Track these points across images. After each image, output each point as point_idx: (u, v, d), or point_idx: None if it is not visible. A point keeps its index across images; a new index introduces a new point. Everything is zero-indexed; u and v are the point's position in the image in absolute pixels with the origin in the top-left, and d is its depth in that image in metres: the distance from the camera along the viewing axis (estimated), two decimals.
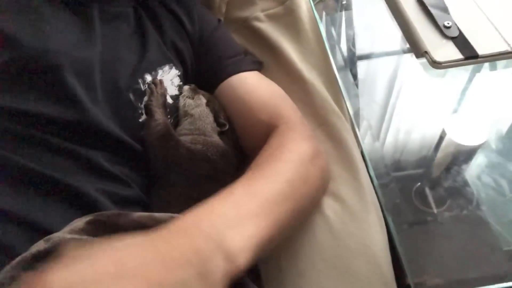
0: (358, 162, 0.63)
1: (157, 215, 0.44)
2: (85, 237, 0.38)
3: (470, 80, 0.71)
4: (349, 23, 0.86)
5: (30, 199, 0.45)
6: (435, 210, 0.60)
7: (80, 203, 0.47)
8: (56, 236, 0.38)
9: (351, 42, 0.82)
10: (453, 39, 0.63)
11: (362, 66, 0.79)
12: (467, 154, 0.64)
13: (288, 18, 0.76)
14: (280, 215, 0.45)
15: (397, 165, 0.67)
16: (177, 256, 0.35)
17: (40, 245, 0.37)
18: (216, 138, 0.60)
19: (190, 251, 0.36)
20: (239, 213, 0.42)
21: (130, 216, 0.42)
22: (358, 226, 0.57)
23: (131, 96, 0.57)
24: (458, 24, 0.64)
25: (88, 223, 0.41)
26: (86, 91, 0.52)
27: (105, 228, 0.41)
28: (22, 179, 0.46)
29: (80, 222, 0.40)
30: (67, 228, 0.40)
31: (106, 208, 0.48)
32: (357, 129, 0.67)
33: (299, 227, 0.53)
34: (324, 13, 0.84)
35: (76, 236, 0.38)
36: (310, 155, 0.53)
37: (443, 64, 0.60)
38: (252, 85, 0.64)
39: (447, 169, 0.64)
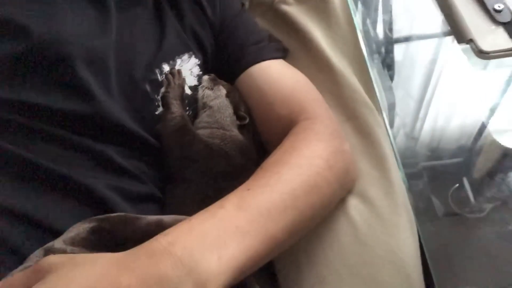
0: (389, 160, 0.59)
1: (166, 219, 0.42)
2: (75, 249, 0.37)
3: None
4: (385, 7, 0.79)
5: (37, 196, 0.44)
6: (472, 219, 0.55)
7: (89, 200, 0.45)
8: (57, 247, 0.37)
9: (387, 27, 0.76)
10: (504, 24, 0.56)
11: (398, 54, 0.73)
12: None
13: (317, 0, 0.70)
14: (275, 229, 0.42)
15: (432, 165, 0.61)
16: (135, 284, 0.33)
17: (32, 260, 0.36)
18: (235, 132, 0.57)
19: (152, 279, 0.34)
20: (224, 230, 0.39)
21: (138, 223, 0.40)
22: (387, 231, 0.53)
23: (147, 87, 0.54)
24: (511, 8, 0.57)
25: (92, 231, 0.39)
26: (100, 82, 0.50)
27: (110, 237, 0.39)
28: (29, 175, 0.45)
29: (82, 229, 0.39)
30: (70, 234, 0.39)
31: (117, 205, 0.46)
32: (387, 124, 0.61)
33: (306, 235, 0.49)
34: None
35: (76, 248, 0.36)
36: (325, 158, 0.49)
37: (491, 54, 0.54)
38: (274, 75, 0.60)
39: (491, 174, 0.58)
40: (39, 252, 0.37)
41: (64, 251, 0.37)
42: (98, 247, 0.38)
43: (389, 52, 0.73)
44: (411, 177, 0.59)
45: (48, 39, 0.48)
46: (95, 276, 0.33)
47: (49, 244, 0.38)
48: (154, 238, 0.37)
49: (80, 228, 0.39)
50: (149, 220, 0.41)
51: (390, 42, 0.75)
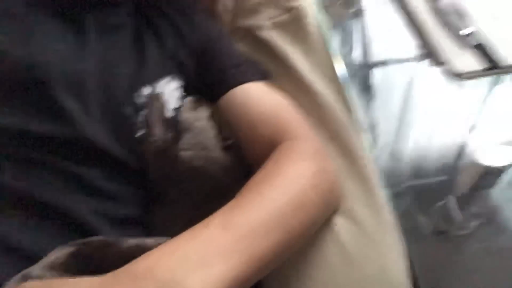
0: (372, 178, 0.59)
1: (148, 241, 0.40)
2: (54, 274, 0.34)
3: (491, 91, 0.66)
4: (361, 31, 0.81)
5: (15, 221, 0.42)
6: (459, 236, 0.55)
7: (70, 225, 0.44)
8: (35, 273, 0.34)
9: (363, 50, 0.78)
10: (473, 47, 0.58)
11: (376, 75, 0.75)
12: (494, 175, 0.58)
13: (295, 26, 0.72)
14: (261, 249, 0.41)
15: (416, 183, 0.62)
16: None
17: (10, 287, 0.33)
18: (219, 154, 0.57)
19: None
20: (208, 251, 0.38)
21: (119, 245, 0.39)
22: (374, 249, 0.53)
23: (128, 110, 0.53)
24: (479, 31, 0.60)
25: (72, 256, 0.37)
26: (79, 105, 0.49)
27: (90, 261, 0.37)
28: (5, 200, 0.43)
29: (62, 253, 0.37)
30: (49, 259, 0.36)
31: (99, 230, 0.45)
32: (369, 143, 0.62)
33: (291, 255, 0.48)
34: (333, 20, 0.80)
35: (55, 273, 0.34)
36: (309, 177, 0.49)
37: (463, 76, 0.56)
38: (256, 97, 0.60)
39: (473, 191, 0.59)
40: (17, 278, 0.35)
41: (42, 277, 0.35)
42: (79, 272, 0.36)
43: (367, 75, 0.75)
44: (395, 197, 0.59)
45: (26, 63, 0.47)
46: None
47: (27, 270, 0.36)
48: (135, 260, 0.36)
49: (59, 253, 0.37)
50: (130, 243, 0.40)
51: (367, 65, 0.77)
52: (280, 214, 0.43)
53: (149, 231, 0.50)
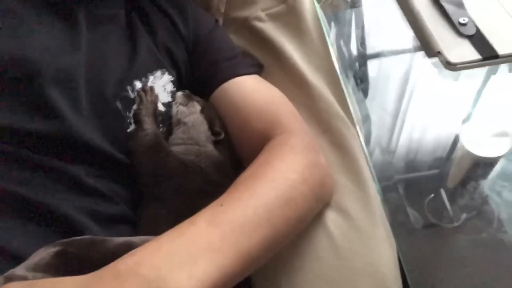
0: (364, 172, 0.59)
1: (135, 240, 0.40)
2: (39, 275, 0.35)
3: (486, 82, 0.66)
4: (357, 22, 0.80)
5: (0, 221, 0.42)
6: (449, 228, 0.55)
7: (57, 224, 0.43)
8: (18, 274, 0.35)
9: (359, 42, 0.77)
10: (469, 37, 0.57)
11: (371, 68, 0.74)
12: (486, 167, 0.58)
13: (290, 17, 0.71)
14: (249, 245, 0.40)
15: (407, 177, 0.61)
16: None
17: None
18: (210, 148, 0.56)
19: None
20: (195, 248, 0.37)
21: (106, 245, 0.39)
22: (365, 243, 0.53)
23: (118, 104, 0.53)
24: (475, 21, 0.59)
25: (57, 256, 0.37)
26: (68, 100, 0.48)
27: (76, 261, 0.37)
28: None
29: (46, 253, 0.37)
30: (33, 259, 0.37)
31: (87, 228, 0.45)
32: (361, 136, 0.61)
33: (280, 251, 0.48)
34: (328, 12, 0.79)
35: (38, 274, 0.35)
36: (300, 171, 0.48)
37: (458, 66, 0.55)
38: (249, 90, 0.59)
39: (464, 183, 0.59)
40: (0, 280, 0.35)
41: (25, 278, 0.35)
42: (63, 272, 0.36)
43: (362, 67, 0.74)
44: (386, 190, 0.59)
45: (14, 56, 0.46)
46: None
47: (10, 272, 0.36)
48: (120, 258, 0.36)
49: (44, 253, 0.37)
50: (117, 241, 0.40)
51: (362, 57, 0.76)
52: (269, 209, 0.43)
53: (137, 229, 0.50)
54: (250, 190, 0.44)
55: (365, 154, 0.61)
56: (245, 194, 0.44)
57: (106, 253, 0.39)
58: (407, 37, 0.66)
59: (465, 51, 0.56)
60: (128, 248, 0.39)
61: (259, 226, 0.42)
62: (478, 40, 0.57)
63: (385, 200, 0.56)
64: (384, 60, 0.76)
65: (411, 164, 0.64)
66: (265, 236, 0.42)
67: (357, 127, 0.63)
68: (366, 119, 0.65)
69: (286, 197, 0.45)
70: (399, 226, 0.55)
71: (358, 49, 0.77)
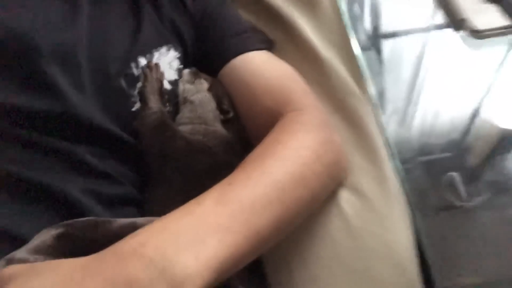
0: (380, 150, 0.56)
1: (140, 221, 0.39)
2: (40, 257, 0.34)
3: (508, 53, 0.61)
4: None
5: (1, 202, 0.41)
6: (470, 206, 0.52)
7: (60, 206, 0.42)
8: (17, 257, 0.34)
9: (376, 14, 0.73)
10: (497, 2, 0.53)
11: (387, 42, 0.70)
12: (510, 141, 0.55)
13: None
14: (258, 225, 0.38)
15: (427, 156, 0.58)
16: None
17: None
18: (219, 127, 0.55)
19: (121, 283, 0.31)
20: (202, 228, 0.36)
21: (109, 226, 0.37)
22: (380, 224, 0.51)
23: (122, 82, 0.51)
24: None
25: (59, 238, 0.36)
26: (69, 78, 0.47)
27: (80, 243, 0.36)
28: None
29: (48, 236, 0.36)
30: (35, 242, 0.36)
31: (91, 210, 0.43)
32: (380, 112, 0.58)
33: (291, 232, 0.46)
34: None
35: (40, 256, 0.34)
36: (313, 149, 0.46)
37: (484, 33, 0.51)
38: (258, 66, 0.57)
39: (487, 158, 0.55)
40: (0, 263, 0.34)
41: (26, 261, 0.34)
42: (66, 254, 0.35)
43: (378, 41, 0.71)
44: (404, 171, 0.56)
45: (11, 32, 0.45)
46: (56, 283, 0.30)
47: (11, 255, 0.35)
48: (123, 239, 0.34)
49: (46, 235, 0.36)
50: (121, 223, 0.38)
51: (378, 32, 0.72)
52: (280, 187, 0.41)
53: (143, 211, 0.49)
54: (260, 169, 0.42)
55: (383, 132, 0.59)
56: (254, 173, 0.42)
57: (109, 235, 0.37)
58: (428, 10, 0.63)
59: (492, 18, 0.52)
60: (132, 229, 0.38)
61: (269, 205, 0.40)
62: (508, 5, 0.53)
63: (402, 180, 0.53)
64: (402, 35, 0.72)
65: (430, 141, 0.60)
66: (276, 215, 0.40)
67: (374, 103, 0.60)
68: (382, 95, 0.62)
69: (298, 175, 0.43)
70: (419, 205, 0.52)
71: (374, 22, 0.73)
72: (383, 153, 0.57)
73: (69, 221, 0.38)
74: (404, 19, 0.71)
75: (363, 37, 0.68)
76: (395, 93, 0.64)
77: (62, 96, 0.46)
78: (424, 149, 0.60)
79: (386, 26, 0.72)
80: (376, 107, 0.60)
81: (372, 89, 0.61)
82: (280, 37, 0.65)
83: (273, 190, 0.41)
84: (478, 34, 0.51)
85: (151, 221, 0.39)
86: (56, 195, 0.42)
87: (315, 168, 0.45)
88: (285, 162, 0.44)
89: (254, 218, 0.38)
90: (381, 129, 0.59)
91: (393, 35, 0.72)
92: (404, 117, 0.63)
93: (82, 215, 0.42)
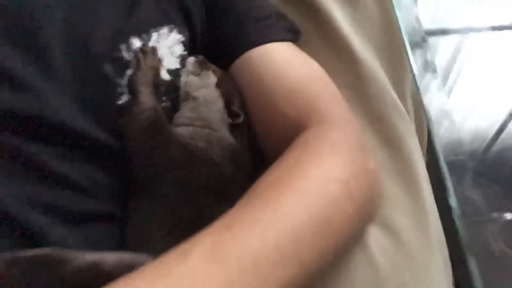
0: (421, 179, 0.48)
1: (108, 261, 0.30)
2: None
3: None
4: None
5: None
6: None
7: (8, 227, 0.32)
8: None
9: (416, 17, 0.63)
10: None
11: (441, 42, 0.60)
12: None
13: None
14: None
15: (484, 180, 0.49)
16: None
17: None
18: (225, 133, 0.46)
19: None
20: None
21: (64, 267, 0.29)
22: (416, 273, 0.44)
23: (107, 67, 0.41)
24: None
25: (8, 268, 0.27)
26: (34, 61, 0.37)
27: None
28: None
29: None
30: None
31: (50, 231, 0.34)
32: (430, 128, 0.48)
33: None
34: None
35: None
36: (343, 181, 0.36)
37: None
38: (280, 62, 0.47)
39: None
40: None
41: None
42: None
43: (425, 45, 0.60)
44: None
45: None
46: None
47: None
48: None
49: None
50: (81, 262, 0.29)
51: (427, 33, 0.62)
52: (298, 238, 0.31)
53: (122, 232, 0.39)
54: (272, 206, 0.32)
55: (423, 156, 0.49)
56: (264, 213, 0.32)
57: (64, 278, 0.28)
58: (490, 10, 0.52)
59: None
60: (95, 272, 0.29)
61: (282, 264, 0.30)
62: None
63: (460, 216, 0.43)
64: (457, 35, 0.61)
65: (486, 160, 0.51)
66: (289, 277, 0.30)
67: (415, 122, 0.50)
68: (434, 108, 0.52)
69: (323, 219, 0.33)
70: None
71: (419, 25, 0.62)
72: (424, 182, 0.49)
73: (8, 257, 0.28)
74: (464, 15, 0.60)
75: (412, 33, 0.57)
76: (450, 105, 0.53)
77: (27, 87, 0.36)
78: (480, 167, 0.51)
79: (439, 20, 0.62)
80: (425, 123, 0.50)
81: (419, 100, 0.50)
82: (309, 28, 0.56)
83: (289, 242, 0.31)
84: None
85: (121, 261, 0.30)
86: (2, 211, 0.32)
87: (345, 209, 0.35)
88: (307, 199, 0.34)
89: (258, 283, 0.28)
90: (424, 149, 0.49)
91: (448, 29, 0.61)
92: (458, 132, 0.53)
93: (38, 237, 0.33)
